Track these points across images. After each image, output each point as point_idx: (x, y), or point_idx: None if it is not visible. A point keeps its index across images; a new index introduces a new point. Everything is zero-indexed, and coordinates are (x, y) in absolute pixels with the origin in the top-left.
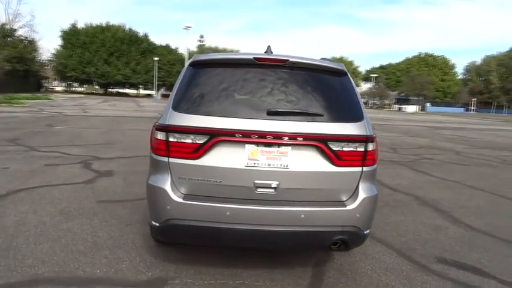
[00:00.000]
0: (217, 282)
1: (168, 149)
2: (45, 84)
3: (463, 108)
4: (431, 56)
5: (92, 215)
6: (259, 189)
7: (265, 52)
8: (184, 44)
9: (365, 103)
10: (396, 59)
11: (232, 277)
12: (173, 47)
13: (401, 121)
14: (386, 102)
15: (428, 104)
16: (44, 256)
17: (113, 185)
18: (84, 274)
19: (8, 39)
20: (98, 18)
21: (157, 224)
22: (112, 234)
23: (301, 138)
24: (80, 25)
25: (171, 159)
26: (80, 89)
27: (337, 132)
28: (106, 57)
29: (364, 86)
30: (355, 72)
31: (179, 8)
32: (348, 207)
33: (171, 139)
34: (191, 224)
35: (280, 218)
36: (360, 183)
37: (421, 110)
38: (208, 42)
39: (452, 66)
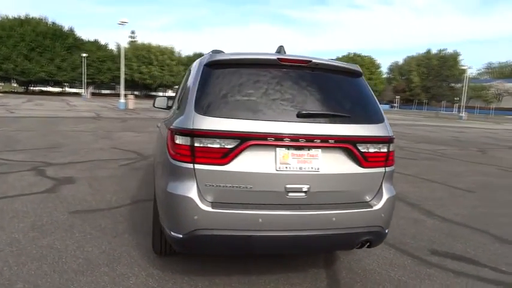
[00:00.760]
0: None
1: (193, 154)
2: None
3: (388, 105)
4: (359, 56)
5: (70, 227)
6: (290, 194)
7: (278, 52)
8: (115, 40)
9: None
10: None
11: (250, 285)
12: (102, 42)
13: None
14: None
15: None
16: (35, 279)
17: (81, 193)
18: None
19: None
20: (15, 10)
21: (181, 236)
22: (102, 248)
23: (332, 141)
24: None
25: (197, 166)
26: None
27: (364, 133)
28: (26, 53)
29: None
30: None
31: (107, 1)
32: (374, 208)
33: (197, 144)
34: (221, 233)
35: (313, 222)
36: (382, 184)
37: None
38: (140, 39)
39: (378, 66)
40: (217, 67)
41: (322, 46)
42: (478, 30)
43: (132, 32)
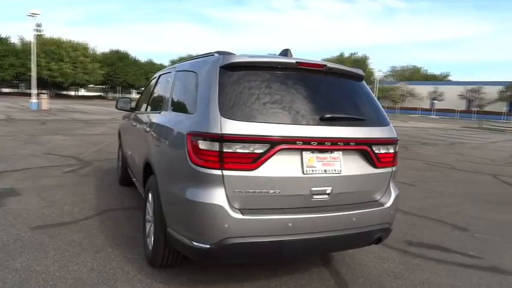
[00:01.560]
0: None
1: (221, 160)
2: None
3: None
4: None
5: (40, 245)
6: (315, 196)
7: (284, 55)
8: (18, 33)
9: None
10: None
11: None
12: (3, 35)
13: None
14: None
15: None
16: None
17: (34, 206)
18: None
19: None
20: None
21: (208, 246)
22: (89, 265)
23: (353, 143)
24: None
25: (226, 172)
26: None
27: (378, 136)
28: None
29: None
30: None
31: None
32: (385, 206)
33: (226, 150)
34: (253, 240)
35: (337, 223)
36: (390, 183)
37: None
38: (48, 32)
39: None
40: (235, 69)
41: (242, 46)
42: (383, 37)
43: (38, 25)
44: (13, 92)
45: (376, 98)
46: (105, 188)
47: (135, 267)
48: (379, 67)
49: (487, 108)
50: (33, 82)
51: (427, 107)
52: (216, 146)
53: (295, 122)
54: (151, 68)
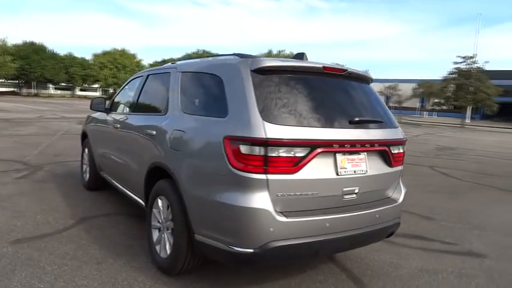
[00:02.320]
0: None
1: (266, 164)
2: None
3: None
4: (208, 53)
5: (30, 260)
6: (345, 196)
7: (300, 58)
8: None
9: None
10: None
11: None
12: None
13: None
14: None
15: None
16: None
17: (2, 218)
18: None
19: None
20: None
21: (251, 250)
22: (98, 278)
23: (377, 144)
24: None
25: (270, 176)
26: None
27: (394, 137)
28: None
29: None
30: (138, 66)
31: None
32: (398, 202)
33: (270, 154)
34: (293, 242)
35: (365, 220)
36: (399, 180)
37: None
38: None
39: None
40: (265, 73)
41: (170, 41)
42: (307, 35)
43: None
44: None
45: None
46: (73, 194)
47: (148, 276)
48: None
49: (405, 104)
50: None
51: None
52: (261, 151)
53: (329, 126)
54: (72, 62)
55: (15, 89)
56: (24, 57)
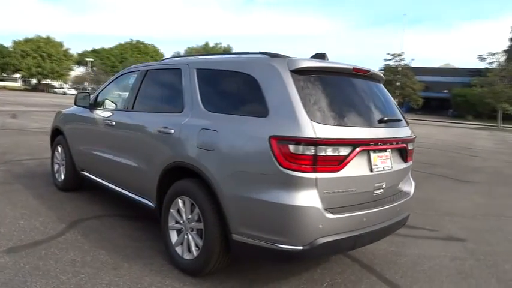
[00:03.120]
0: None
1: (315, 163)
2: None
3: None
4: (142, 43)
5: (38, 270)
6: (375, 192)
7: (321, 58)
8: None
9: (84, 89)
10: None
11: (311, 283)
12: None
13: None
14: None
15: None
16: None
17: None
18: None
19: None
20: None
21: (301, 247)
22: (123, 285)
23: (400, 142)
24: None
25: (318, 175)
26: None
27: (409, 134)
28: None
29: (78, 71)
30: (66, 55)
31: None
32: (411, 195)
33: (319, 153)
34: (337, 238)
35: (389, 213)
36: (409, 175)
37: None
38: None
39: (162, 55)
40: (303, 73)
41: (97, 29)
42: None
43: None
44: None
45: None
46: (48, 196)
47: (173, 279)
48: None
49: None
50: None
51: None
52: (310, 150)
53: (365, 125)
54: None
55: None
56: None
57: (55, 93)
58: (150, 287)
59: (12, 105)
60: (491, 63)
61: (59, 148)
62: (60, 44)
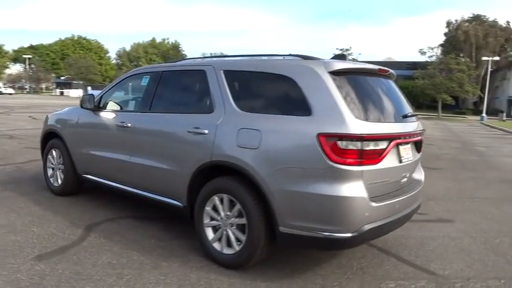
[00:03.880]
0: None
1: (361, 157)
2: None
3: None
4: (85, 39)
5: (78, 275)
6: (401, 181)
7: (342, 57)
8: None
9: (21, 87)
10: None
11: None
12: None
13: None
14: (44, 86)
15: (89, 88)
16: None
17: None
18: None
19: None
20: None
21: (349, 235)
22: (171, 283)
23: (418, 135)
24: None
25: (364, 167)
26: None
27: (422, 128)
28: None
29: (14, 68)
30: (1, 52)
31: None
32: (423, 183)
33: (365, 148)
34: (379, 224)
35: (411, 200)
36: (419, 164)
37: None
38: None
39: (106, 51)
40: (339, 74)
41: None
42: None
43: None
44: None
45: None
46: (49, 202)
47: (218, 273)
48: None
49: None
50: None
51: None
52: (357, 145)
53: (395, 120)
54: None
55: None
56: None
57: None
58: (198, 282)
59: None
60: (431, 56)
61: (54, 152)
62: None
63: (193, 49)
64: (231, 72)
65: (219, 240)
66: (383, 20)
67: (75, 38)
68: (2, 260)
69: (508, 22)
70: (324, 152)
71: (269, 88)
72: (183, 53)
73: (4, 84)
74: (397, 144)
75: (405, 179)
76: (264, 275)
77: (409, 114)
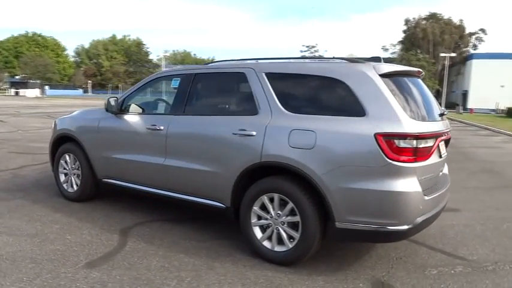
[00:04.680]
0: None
1: (415, 154)
2: None
3: (81, 90)
4: (40, 36)
5: (139, 280)
6: (439, 175)
7: (377, 60)
8: None
9: None
10: None
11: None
12: None
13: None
14: None
15: (47, 87)
16: None
17: (27, 246)
18: None
19: None
20: None
21: (406, 227)
22: (232, 282)
23: (448, 132)
24: None
25: (417, 164)
26: None
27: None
28: None
29: None
30: None
31: None
32: (448, 176)
33: (419, 146)
34: (427, 216)
35: (445, 193)
36: None
37: (42, 94)
38: None
39: (64, 48)
40: (387, 76)
41: None
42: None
43: None
44: None
45: None
46: (67, 208)
47: (273, 271)
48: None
49: None
50: None
51: None
52: (413, 143)
53: (435, 119)
54: None
55: None
56: None
57: None
58: (258, 280)
59: None
60: (393, 53)
61: (67, 156)
62: None
63: (156, 47)
64: (274, 75)
65: (269, 238)
66: (343, 17)
67: (30, 34)
68: (53, 269)
69: (461, 20)
70: (382, 151)
71: (318, 90)
72: (148, 50)
73: None
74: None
75: (441, 173)
76: (315, 269)
77: (445, 112)
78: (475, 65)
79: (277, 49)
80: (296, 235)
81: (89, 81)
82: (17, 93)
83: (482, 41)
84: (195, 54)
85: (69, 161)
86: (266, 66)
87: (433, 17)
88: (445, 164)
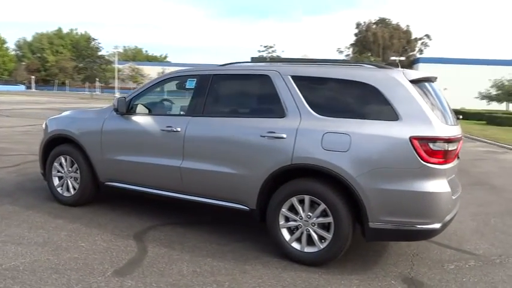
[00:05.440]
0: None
1: (446, 157)
2: None
3: (23, 86)
4: None
5: (175, 287)
6: (453, 176)
7: (397, 66)
8: None
9: None
10: None
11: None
12: None
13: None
14: None
15: None
16: None
17: (55, 253)
18: None
19: None
20: None
21: (438, 226)
22: (271, 284)
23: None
24: None
25: (447, 166)
26: None
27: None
28: None
29: None
30: None
31: None
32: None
33: (449, 148)
34: (452, 215)
35: (459, 195)
36: None
37: None
38: None
39: (4, 41)
40: (416, 82)
41: None
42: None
43: None
44: None
45: None
46: (66, 213)
47: (306, 271)
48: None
49: None
50: None
51: None
52: (445, 146)
53: (455, 123)
54: None
55: None
56: None
57: None
58: (295, 282)
59: None
60: (347, 55)
61: (63, 159)
62: None
63: (105, 42)
64: (301, 78)
65: (297, 240)
66: (295, 18)
67: None
68: (81, 279)
69: (408, 26)
70: (417, 153)
71: (349, 95)
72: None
73: None
74: None
75: (454, 175)
76: (345, 269)
77: (460, 117)
78: (422, 68)
79: (235, 47)
80: (328, 236)
81: (32, 77)
82: None
83: (427, 46)
84: (146, 51)
85: (64, 163)
86: (292, 69)
87: (382, 22)
88: None
